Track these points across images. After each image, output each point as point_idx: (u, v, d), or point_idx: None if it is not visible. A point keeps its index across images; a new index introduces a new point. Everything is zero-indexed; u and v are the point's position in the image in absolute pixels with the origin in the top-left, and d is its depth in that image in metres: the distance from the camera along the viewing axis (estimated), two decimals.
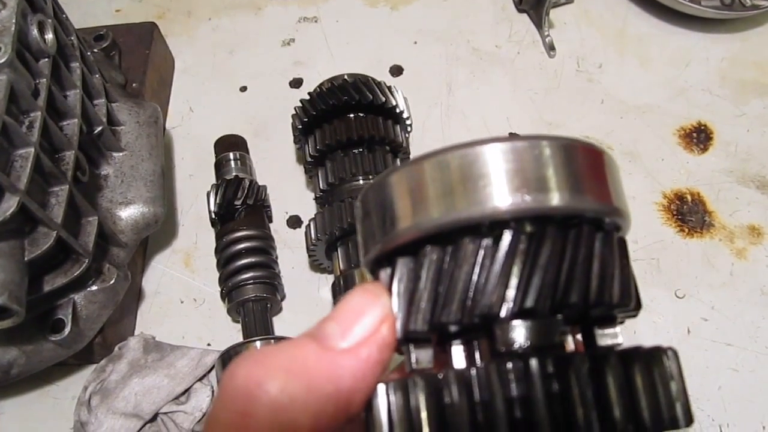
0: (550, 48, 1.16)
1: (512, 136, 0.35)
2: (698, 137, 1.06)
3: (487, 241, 0.33)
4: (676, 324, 0.91)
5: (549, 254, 0.33)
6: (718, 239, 0.97)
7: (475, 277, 0.33)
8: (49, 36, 0.73)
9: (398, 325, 0.35)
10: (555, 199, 0.33)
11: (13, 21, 0.66)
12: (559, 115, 1.09)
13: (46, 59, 0.73)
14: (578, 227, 0.34)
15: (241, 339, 0.88)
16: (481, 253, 0.33)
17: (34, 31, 0.70)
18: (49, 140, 0.72)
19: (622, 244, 0.37)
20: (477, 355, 0.36)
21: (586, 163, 0.35)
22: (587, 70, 1.15)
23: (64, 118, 0.77)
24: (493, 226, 0.34)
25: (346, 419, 0.33)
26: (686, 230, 0.98)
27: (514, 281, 0.32)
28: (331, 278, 0.94)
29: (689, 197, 1.01)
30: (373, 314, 0.34)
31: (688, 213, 0.99)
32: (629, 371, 0.32)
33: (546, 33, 1.17)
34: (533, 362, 0.31)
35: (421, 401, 0.31)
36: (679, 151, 1.05)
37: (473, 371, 0.32)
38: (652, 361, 0.33)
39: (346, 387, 0.32)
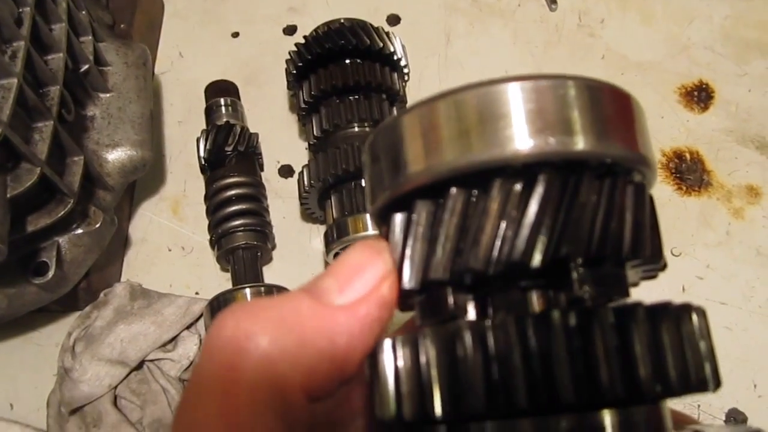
0: (552, 1, 1.14)
1: (535, 75, 0.32)
2: (699, 96, 1.05)
3: (518, 186, 0.31)
4: (671, 282, 0.90)
5: (584, 203, 0.31)
6: (715, 198, 0.96)
7: (504, 223, 0.31)
8: None
9: (413, 273, 0.32)
10: (581, 143, 0.31)
11: None
12: (558, 69, 1.07)
13: None
14: (613, 177, 0.32)
15: (230, 287, 0.87)
16: (512, 197, 0.31)
17: None
18: (33, 73, 0.70)
19: (651, 200, 0.35)
20: (490, 311, 0.33)
21: (613, 106, 0.33)
22: (589, 25, 1.12)
23: (48, 52, 0.74)
24: (522, 171, 0.31)
25: (339, 380, 0.31)
26: (684, 188, 0.97)
27: (546, 229, 0.30)
28: (322, 229, 0.92)
29: (688, 156, 0.99)
30: (374, 271, 0.32)
31: (687, 171, 0.98)
32: (656, 328, 0.29)
33: None
34: (555, 314, 0.28)
35: (432, 355, 0.29)
36: (679, 110, 1.04)
37: (488, 323, 0.29)
38: (680, 318, 0.30)
39: (342, 344, 0.30)
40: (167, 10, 1.16)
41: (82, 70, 0.82)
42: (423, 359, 0.29)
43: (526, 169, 0.31)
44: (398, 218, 0.34)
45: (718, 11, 1.13)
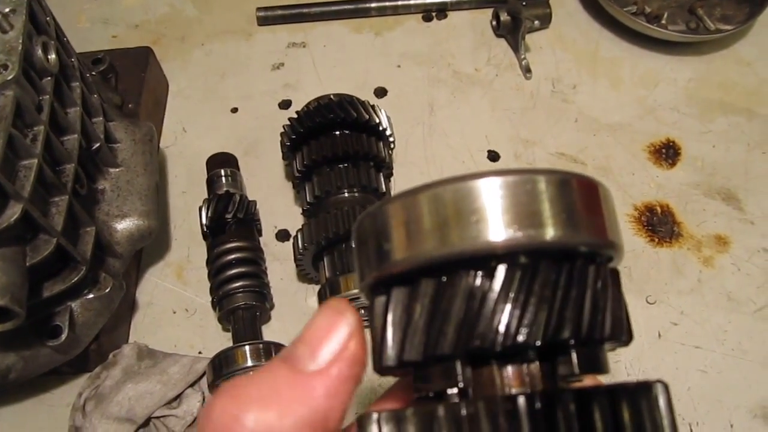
0: (527, 70, 1.22)
1: (507, 170, 0.34)
2: (667, 153, 1.12)
3: (481, 275, 0.33)
4: (648, 328, 0.95)
5: (541, 290, 0.33)
6: (686, 248, 1.02)
7: (468, 312, 0.33)
8: (52, 56, 0.77)
9: (391, 353, 0.35)
10: (548, 234, 0.33)
11: (20, 41, 0.70)
12: (535, 133, 1.15)
13: (49, 78, 0.77)
14: (571, 262, 0.34)
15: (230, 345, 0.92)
16: (475, 287, 0.33)
17: (39, 51, 0.74)
18: (51, 153, 0.77)
19: (615, 275, 0.37)
20: (470, 390, 0.35)
21: (580, 196, 0.35)
22: (562, 91, 1.21)
23: (65, 133, 0.82)
24: (488, 260, 0.33)
25: None
26: (656, 240, 1.03)
27: (505, 317, 0.32)
28: (317, 288, 0.98)
29: (659, 209, 1.06)
30: (340, 332, 0.35)
31: (658, 224, 1.04)
32: (616, 407, 0.31)
33: (522, 56, 1.23)
34: (521, 400, 0.31)
35: None
36: (649, 166, 1.11)
37: (463, 410, 0.31)
38: (638, 395, 0.32)
39: (321, 407, 0.33)
40: (171, 89, 1.25)
41: (94, 148, 0.90)
42: None
43: (496, 258, 0.33)
44: (379, 302, 0.36)
45: (682, 75, 1.22)
